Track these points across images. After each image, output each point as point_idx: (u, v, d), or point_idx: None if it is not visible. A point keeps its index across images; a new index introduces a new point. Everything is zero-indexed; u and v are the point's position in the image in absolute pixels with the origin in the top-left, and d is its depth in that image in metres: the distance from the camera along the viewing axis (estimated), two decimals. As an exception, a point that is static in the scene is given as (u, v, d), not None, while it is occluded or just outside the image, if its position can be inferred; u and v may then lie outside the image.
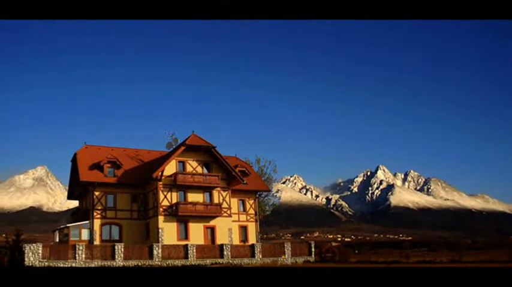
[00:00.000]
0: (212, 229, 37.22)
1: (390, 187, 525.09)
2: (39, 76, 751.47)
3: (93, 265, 30.05)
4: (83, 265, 29.83)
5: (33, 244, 30.17)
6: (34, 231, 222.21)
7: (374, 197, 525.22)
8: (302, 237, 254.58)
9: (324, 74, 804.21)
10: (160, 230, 35.05)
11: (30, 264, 28.69)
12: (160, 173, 35.95)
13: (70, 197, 44.72)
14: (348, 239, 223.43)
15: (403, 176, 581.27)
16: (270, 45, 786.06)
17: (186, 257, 33.07)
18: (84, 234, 35.55)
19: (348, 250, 47.12)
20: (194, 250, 33.49)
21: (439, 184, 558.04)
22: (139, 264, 31.11)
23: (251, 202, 41.99)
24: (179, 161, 37.46)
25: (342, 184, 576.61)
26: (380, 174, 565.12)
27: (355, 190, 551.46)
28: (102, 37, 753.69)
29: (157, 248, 32.52)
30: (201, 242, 35.77)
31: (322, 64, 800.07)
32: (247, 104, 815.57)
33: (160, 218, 35.36)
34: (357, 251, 66.60)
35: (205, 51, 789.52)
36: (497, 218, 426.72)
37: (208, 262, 33.30)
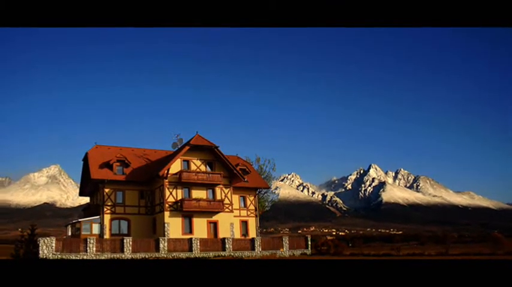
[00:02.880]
0: (215, 224, 37.18)
1: (382, 184, 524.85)
2: (53, 81, 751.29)
3: (103, 258, 30.04)
4: (94, 258, 29.82)
5: (47, 238, 30.13)
6: (48, 226, 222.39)
7: (367, 193, 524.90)
8: (299, 231, 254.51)
9: (321, 79, 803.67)
10: (166, 225, 35.03)
11: (44, 256, 28.67)
12: (166, 171, 35.93)
13: (82, 193, 44.65)
14: (342, 233, 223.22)
15: (394, 174, 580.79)
16: (269, 50, 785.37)
17: (190, 250, 33.03)
18: (95, 228, 35.50)
19: (342, 244, 47.09)
20: (198, 244, 33.45)
21: (428, 181, 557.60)
22: (147, 257, 31.10)
23: (251, 198, 41.96)
24: (184, 160, 37.43)
25: (336, 181, 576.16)
26: (372, 172, 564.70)
27: (349, 187, 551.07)
28: (111, 44, 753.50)
29: (163, 242, 32.48)
30: (205, 236, 35.73)
31: (319, 68, 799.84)
32: (248, 106, 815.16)
33: (166, 213, 35.33)
34: (350, 245, 66.48)
35: (208, 56, 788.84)
36: (482, 213, 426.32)
37: (211, 254, 33.26)
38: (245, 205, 41.43)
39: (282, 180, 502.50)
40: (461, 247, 42.64)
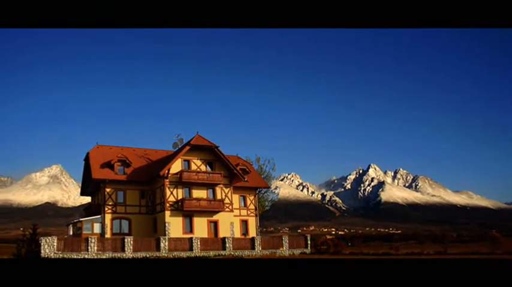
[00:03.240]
0: (215, 223, 37.19)
1: (381, 184, 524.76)
2: (54, 81, 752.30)
3: (104, 257, 30.04)
4: (95, 257, 29.83)
5: (49, 237, 30.16)
6: (49, 225, 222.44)
7: (366, 193, 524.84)
8: (299, 230, 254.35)
9: (321, 79, 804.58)
10: (167, 224, 35.03)
11: (46, 256, 28.69)
12: (167, 171, 35.94)
13: (83, 193, 44.66)
14: (342, 233, 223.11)
15: (392, 174, 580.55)
16: (269, 50, 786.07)
17: (191, 249, 33.05)
18: (96, 228, 35.52)
19: (341, 243, 47.13)
20: (198, 243, 33.47)
21: (427, 181, 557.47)
22: (148, 256, 31.09)
23: (251, 197, 41.96)
24: (184, 160, 37.44)
25: (336, 181, 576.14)
26: (371, 172, 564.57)
27: (348, 186, 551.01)
28: (112, 45, 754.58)
29: (164, 241, 32.49)
30: (205, 235, 35.74)
31: (319, 69, 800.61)
32: (248, 106, 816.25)
33: (167, 213, 35.34)
34: (349, 244, 66.49)
35: (208, 56, 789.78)
36: (481, 213, 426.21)
37: (211, 253, 33.28)
38: (245, 205, 41.43)
39: (281, 180, 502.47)
40: (459, 246, 42.74)
